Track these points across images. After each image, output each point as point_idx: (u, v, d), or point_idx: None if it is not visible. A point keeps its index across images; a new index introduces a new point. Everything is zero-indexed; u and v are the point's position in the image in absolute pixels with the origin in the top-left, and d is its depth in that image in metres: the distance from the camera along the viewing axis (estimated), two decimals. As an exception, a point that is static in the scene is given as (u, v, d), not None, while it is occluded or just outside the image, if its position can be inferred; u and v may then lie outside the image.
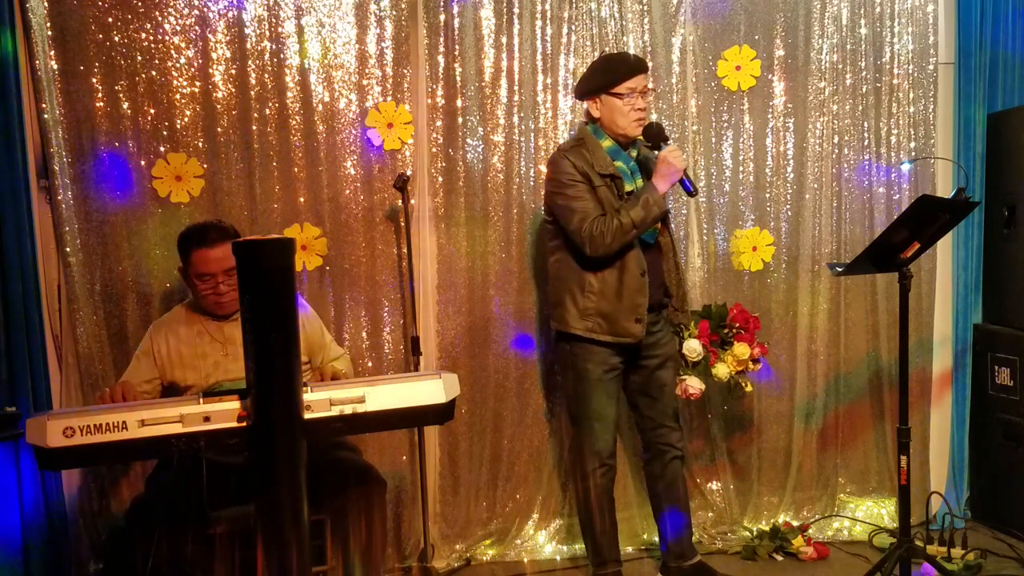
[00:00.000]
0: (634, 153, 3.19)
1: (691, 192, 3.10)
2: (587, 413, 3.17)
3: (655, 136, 3.12)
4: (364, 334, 3.54)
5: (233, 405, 1.95)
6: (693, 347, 3.38)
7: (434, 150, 3.56)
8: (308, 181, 3.45)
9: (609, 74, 3.08)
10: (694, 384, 3.36)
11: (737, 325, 3.46)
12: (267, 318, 1.75)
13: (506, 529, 3.69)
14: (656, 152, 3.12)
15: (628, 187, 3.10)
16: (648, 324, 3.15)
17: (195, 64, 3.34)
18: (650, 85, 3.20)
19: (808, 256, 3.85)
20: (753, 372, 3.50)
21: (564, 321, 3.15)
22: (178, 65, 3.33)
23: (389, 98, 3.50)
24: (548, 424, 3.71)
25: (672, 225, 3.61)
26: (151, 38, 3.30)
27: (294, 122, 3.43)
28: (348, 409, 2.01)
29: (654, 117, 3.64)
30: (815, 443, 3.93)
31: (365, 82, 3.48)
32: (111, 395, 2.61)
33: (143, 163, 3.32)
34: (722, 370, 3.42)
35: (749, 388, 3.52)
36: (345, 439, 3.04)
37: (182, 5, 3.31)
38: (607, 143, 3.12)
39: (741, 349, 3.42)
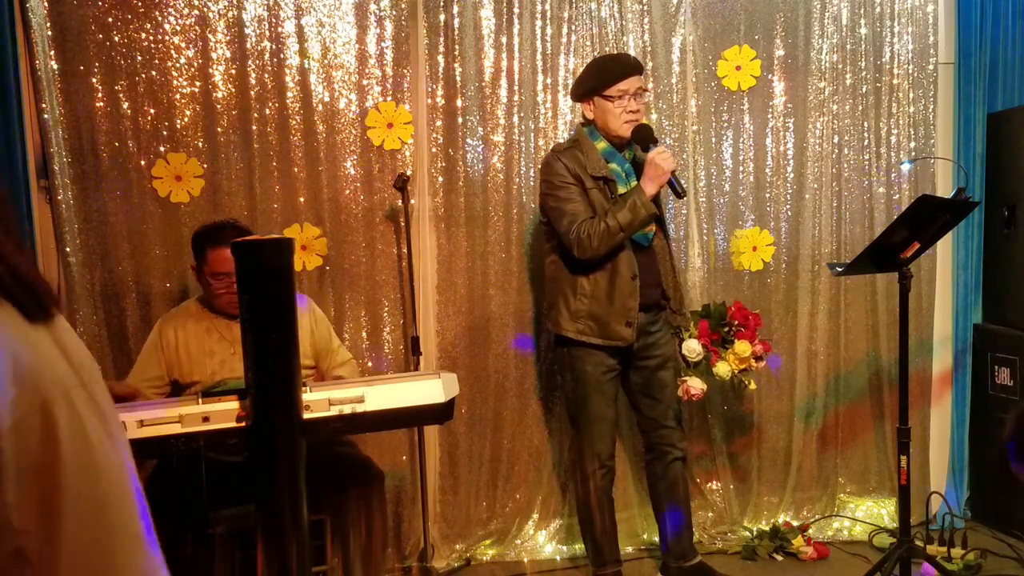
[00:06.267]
0: (629, 155, 3.17)
1: (679, 194, 3.04)
2: (587, 415, 3.17)
3: (644, 138, 3.07)
4: (364, 334, 3.54)
5: (232, 405, 1.95)
6: (693, 347, 3.37)
7: (434, 150, 3.56)
8: (308, 181, 3.45)
9: (600, 77, 3.06)
10: (696, 384, 3.36)
11: (736, 323, 3.45)
12: (266, 318, 1.75)
13: (506, 529, 3.69)
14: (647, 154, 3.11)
15: (621, 189, 3.08)
16: (646, 324, 3.15)
17: (195, 64, 3.34)
18: (648, 86, 3.18)
19: (808, 256, 3.85)
20: (757, 369, 3.48)
21: (557, 324, 3.15)
22: (178, 65, 3.33)
23: (389, 98, 3.49)
24: (548, 424, 3.71)
25: (671, 226, 3.62)
26: (151, 38, 3.30)
27: (294, 122, 3.43)
28: (347, 409, 2.01)
29: (653, 117, 3.65)
30: (815, 443, 3.92)
31: (365, 82, 3.48)
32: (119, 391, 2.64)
33: (143, 163, 3.32)
34: (723, 369, 3.40)
35: (753, 386, 3.50)
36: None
37: (182, 5, 3.31)
38: (602, 145, 3.11)
39: (742, 347, 3.40)
